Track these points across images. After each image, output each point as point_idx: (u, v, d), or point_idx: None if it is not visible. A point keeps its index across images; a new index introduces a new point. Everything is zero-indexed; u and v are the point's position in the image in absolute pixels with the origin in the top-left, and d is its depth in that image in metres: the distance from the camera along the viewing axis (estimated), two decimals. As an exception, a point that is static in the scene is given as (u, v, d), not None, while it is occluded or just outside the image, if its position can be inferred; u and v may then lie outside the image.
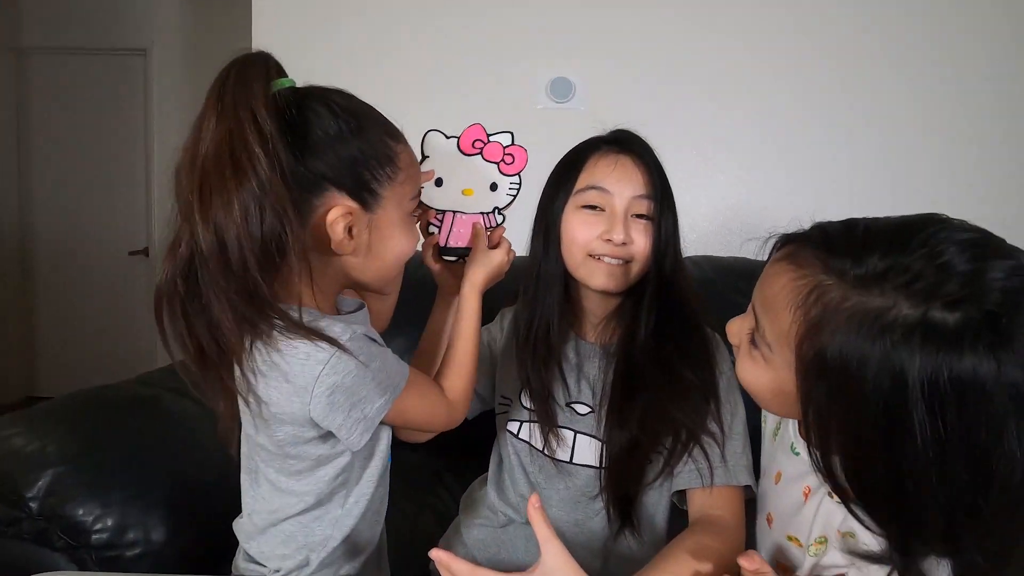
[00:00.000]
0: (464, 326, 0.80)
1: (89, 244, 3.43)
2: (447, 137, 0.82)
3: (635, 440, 0.83)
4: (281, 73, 0.63)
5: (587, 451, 0.88)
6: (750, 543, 0.79)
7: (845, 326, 0.51)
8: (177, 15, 3.23)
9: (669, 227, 0.86)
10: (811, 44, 1.68)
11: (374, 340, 0.69)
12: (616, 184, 0.84)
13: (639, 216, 0.85)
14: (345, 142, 0.64)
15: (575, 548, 0.65)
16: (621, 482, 0.84)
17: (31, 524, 0.85)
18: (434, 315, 0.91)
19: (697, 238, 1.68)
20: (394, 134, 0.69)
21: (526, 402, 0.93)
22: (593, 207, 0.85)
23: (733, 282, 1.31)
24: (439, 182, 0.82)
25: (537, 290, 0.90)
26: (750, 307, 0.63)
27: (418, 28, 1.77)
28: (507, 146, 0.83)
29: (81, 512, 0.86)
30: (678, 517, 0.87)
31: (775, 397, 0.62)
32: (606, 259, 0.84)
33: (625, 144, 0.87)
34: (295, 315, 0.61)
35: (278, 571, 0.72)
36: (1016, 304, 0.47)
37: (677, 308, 0.87)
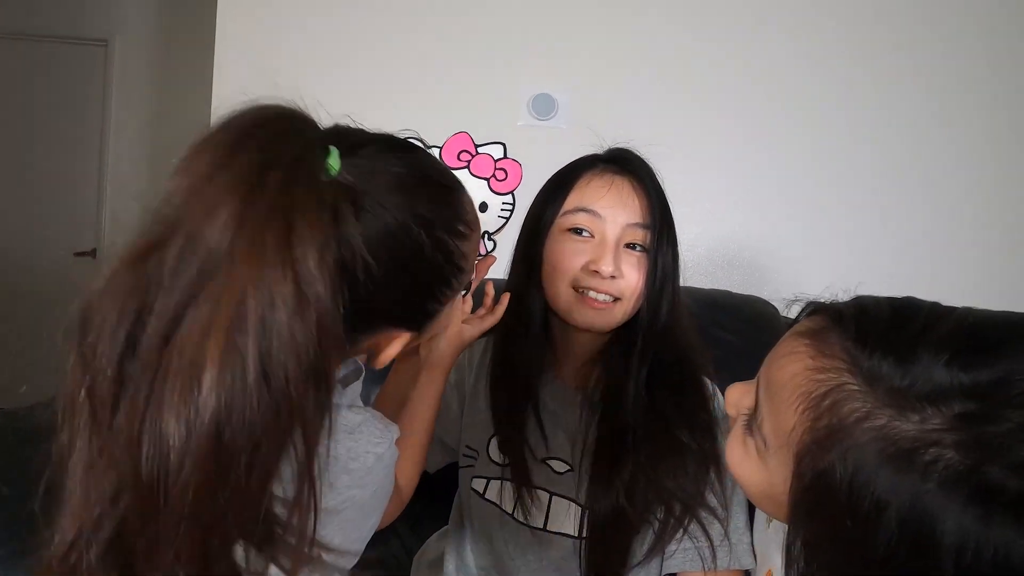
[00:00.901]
0: (425, 409, 0.72)
1: (28, 242, 3.16)
2: (427, 147, 0.70)
3: (620, 510, 0.71)
4: (318, 141, 0.41)
5: (564, 517, 0.76)
6: None
7: (862, 450, 0.38)
8: (144, 4, 3.05)
9: (668, 262, 0.75)
10: (807, 64, 1.61)
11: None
12: (608, 208, 0.74)
13: (632, 246, 0.74)
14: (407, 275, 0.46)
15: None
16: (604, 557, 0.72)
17: None
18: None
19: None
20: (465, 223, 0.52)
21: (495, 455, 0.80)
22: (580, 231, 0.74)
23: (715, 316, 1.23)
24: None
25: (516, 323, 0.79)
26: (756, 379, 0.49)
27: (394, 35, 1.65)
28: (499, 159, 0.71)
29: (-59, 575, 0.72)
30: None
31: (765, 500, 0.49)
32: (591, 294, 0.73)
33: (624, 164, 0.77)
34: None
35: None
36: None
37: (674, 357, 0.76)
